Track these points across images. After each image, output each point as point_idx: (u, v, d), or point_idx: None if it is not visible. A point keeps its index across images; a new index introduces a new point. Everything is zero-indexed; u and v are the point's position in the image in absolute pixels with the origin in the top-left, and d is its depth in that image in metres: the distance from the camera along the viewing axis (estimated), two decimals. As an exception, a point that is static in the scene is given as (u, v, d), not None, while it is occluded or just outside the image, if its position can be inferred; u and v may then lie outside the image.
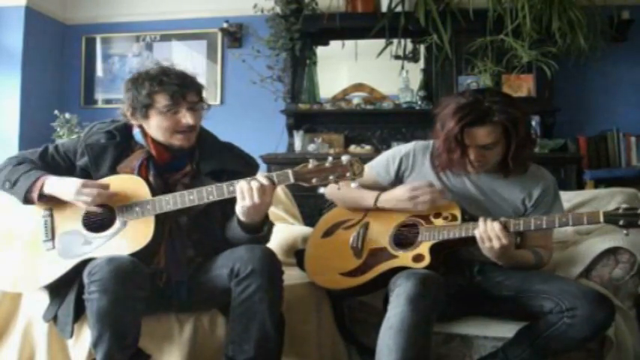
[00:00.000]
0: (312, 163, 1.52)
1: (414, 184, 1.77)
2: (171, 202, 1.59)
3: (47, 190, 1.63)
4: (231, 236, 1.69)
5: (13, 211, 1.73)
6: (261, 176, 1.55)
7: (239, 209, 1.57)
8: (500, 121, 1.64)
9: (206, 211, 1.69)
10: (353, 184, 1.54)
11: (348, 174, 1.51)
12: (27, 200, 1.65)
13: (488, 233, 1.59)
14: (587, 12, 3.07)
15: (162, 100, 1.63)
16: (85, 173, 1.72)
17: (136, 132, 1.73)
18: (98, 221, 1.66)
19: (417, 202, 1.75)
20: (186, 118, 1.65)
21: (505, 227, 1.59)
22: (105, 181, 1.65)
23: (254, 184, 1.52)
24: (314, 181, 1.51)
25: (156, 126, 1.66)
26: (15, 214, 1.73)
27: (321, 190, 1.53)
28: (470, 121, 1.64)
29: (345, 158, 1.51)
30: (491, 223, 1.60)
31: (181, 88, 1.64)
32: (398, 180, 1.90)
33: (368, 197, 1.86)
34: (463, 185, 1.81)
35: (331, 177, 1.51)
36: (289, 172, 1.52)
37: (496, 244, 1.59)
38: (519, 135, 1.66)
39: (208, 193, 1.57)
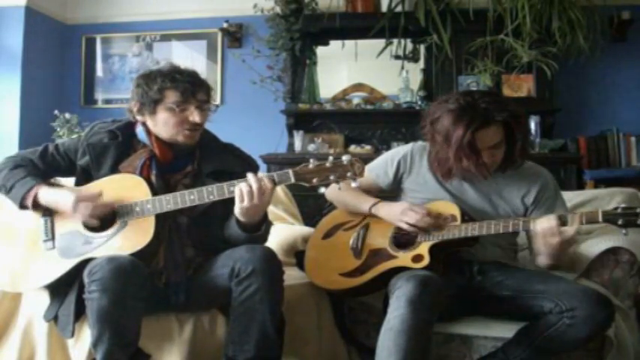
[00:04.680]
0: (312, 163, 1.52)
1: (414, 207, 1.75)
2: (172, 201, 1.59)
3: (42, 201, 1.63)
4: (230, 235, 1.69)
5: (12, 211, 1.73)
6: (260, 176, 1.55)
7: (238, 210, 1.57)
8: (503, 119, 1.65)
9: (206, 212, 1.68)
10: (353, 184, 1.54)
11: (348, 174, 1.51)
12: (23, 206, 1.65)
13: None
14: (587, 12, 3.07)
15: (172, 96, 1.64)
16: (86, 172, 1.72)
17: (139, 130, 1.73)
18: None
19: (402, 220, 1.75)
20: (194, 115, 1.66)
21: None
22: (96, 187, 1.65)
23: (254, 186, 1.52)
24: (315, 181, 1.51)
25: (163, 122, 1.67)
26: (15, 214, 1.73)
27: (322, 190, 1.53)
28: (478, 125, 1.64)
29: (345, 158, 1.51)
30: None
31: (192, 86, 1.66)
32: (396, 182, 1.90)
33: (365, 203, 1.86)
34: (461, 187, 1.81)
35: (332, 177, 1.51)
36: (290, 171, 1.52)
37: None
38: (522, 129, 1.67)
39: (209, 193, 1.57)
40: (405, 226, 1.75)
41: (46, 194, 1.63)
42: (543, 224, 1.58)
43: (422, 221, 1.71)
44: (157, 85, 1.64)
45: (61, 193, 1.62)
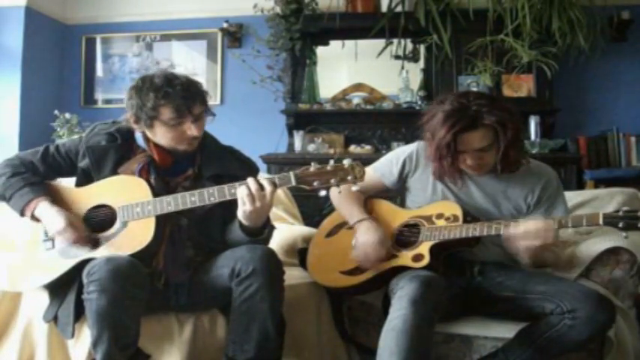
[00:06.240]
0: (313, 166, 1.52)
1: (379, 249, 1.76)
2: (172, 203, 1.58)
3: (37, 214, 1.65)
4: (231, 238, 1.69)
5: (12, 212, 1.73)
6: (261, 179, 1.55)
7: (241, 214, 1.56)
8: (490, 124, 1.64)
9: (206, 215, 1.68)
10: (354, 188, 1.54)
11: (349, 177, 1.50)
12: (22, 216, 1.67)
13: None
14: (587, 12, 3.07)
15: (167, 113, 1.61)
16: (87, 174, 1.72)
17: (138, 136, 1.72)
18: (99, 221, 1.66)
19: (357, 256, 1.79)
20: (191, 130, 1.64)
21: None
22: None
23: (254, 189, 1.52)
24: (315, 184, 1.51)
25: (160, 135, 1.66)
26: (15, 214, 1.73)
27: (322, 192, 1.53)
28: (461, 128, 1.64)
29: (346, 162, 1.51)
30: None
31: (186, 100, 1.62)
32: (402, 180, 1.90)
33: (352, 217, 1.86)
34: (466, 187, 1.81)
35: (333, 180, 1.51)
36: (291, 174, 1.52)
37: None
38: (507, 136, 1.66)
39: (210, 195, 1.57)
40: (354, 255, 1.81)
41: (42, 211, 1.64)
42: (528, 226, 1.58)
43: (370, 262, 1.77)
44: (150, 102, 1.60)
45: (56, 214, 1.62)
